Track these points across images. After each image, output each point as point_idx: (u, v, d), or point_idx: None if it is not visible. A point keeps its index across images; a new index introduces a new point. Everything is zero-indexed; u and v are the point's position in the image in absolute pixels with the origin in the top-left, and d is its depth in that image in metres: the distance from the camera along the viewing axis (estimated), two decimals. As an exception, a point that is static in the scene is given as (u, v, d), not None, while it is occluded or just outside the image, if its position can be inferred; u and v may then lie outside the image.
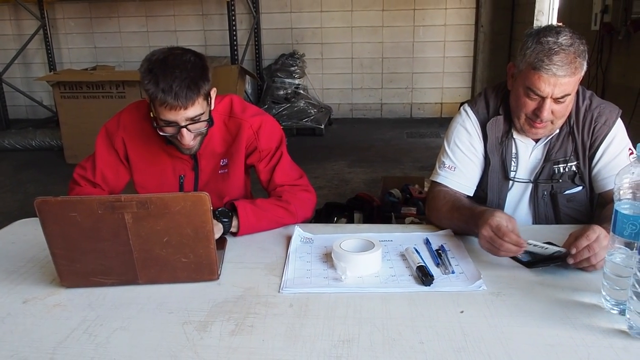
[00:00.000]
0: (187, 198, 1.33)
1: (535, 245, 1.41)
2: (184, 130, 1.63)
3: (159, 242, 1.35)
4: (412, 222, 3.04)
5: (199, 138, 1.72)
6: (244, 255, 1.59)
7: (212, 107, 1.74)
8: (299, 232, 1.70)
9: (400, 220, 3.25)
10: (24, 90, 7.59)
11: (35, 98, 7.64)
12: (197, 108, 1.61)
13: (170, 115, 1.59)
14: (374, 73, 7.64)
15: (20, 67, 7.81)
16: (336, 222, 3.21)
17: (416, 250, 1.52)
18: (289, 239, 1.67)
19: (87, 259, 1.36)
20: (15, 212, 4.42)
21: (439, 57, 7.50)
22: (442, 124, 7.07)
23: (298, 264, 1.52)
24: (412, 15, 7.35)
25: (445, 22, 7.36)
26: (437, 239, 1.65)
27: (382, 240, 1.58)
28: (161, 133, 1.67)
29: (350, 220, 3.28)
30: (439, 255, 1.52)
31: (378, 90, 7.71)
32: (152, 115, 1.66)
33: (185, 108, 1.58)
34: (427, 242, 1.62)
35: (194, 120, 1.63)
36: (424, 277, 1.38)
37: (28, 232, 1.78)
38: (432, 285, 1.37)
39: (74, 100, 5.58)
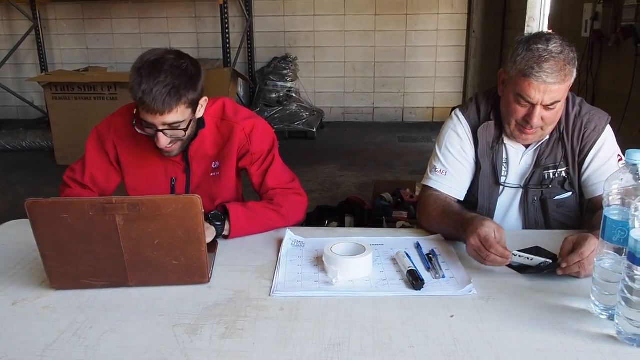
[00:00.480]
0: (179, 200, 1.32)
1: (520, 257, 1.43)
2: (160, 134, 1.62)
3: (150, 245, 1.35)
4: (403, 226, 3.05)
5: (179, 143, 1.71)
6: (235, 259, 1.59)
7: (200, 115, 1.73)
8: (290, 235, 1.70)
9: (391, 224, 3.26)
10: (15, 91, 7.55)
11: (26, 99, 7.59)
12: (175, 115, 1.59)
13: (148, 118, 1.59)
14: (366, 77, 7.65)
15: (12, 67, 7.77)
16: (327, 226, 3.21)
17: (407, 255, 1.53)
18: (280, 242, 1.67)
19: (77, 261, 1.36)
20: (4, 213, 4.39)
21: (430, 61, 7.53)
22: (433, 128, 7.09)
23: (289, 268, 1.52)
24: (405, 20, 7.38)
25: (437, 27, 7.40)
26: (427, 243, 1.66)
27: (373, 244, 1.59)
28: (138, 130, 1.66)
29: (342, 224, 3.29)
30: (429, 260, 1.52)
31: (370, 94, 7.73)
32: (135, 112, 1.66)
33: (162, 114, 1.57)
34: (418, 247, 1.63)
35: (171, 126, 1.62)
36: (414, 281, 1.39)
37: (18, 233, 1.77)
38: (422, 289, 1.38)
39: (65, 101, 5.56)
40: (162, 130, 1.62)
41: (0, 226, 1.87)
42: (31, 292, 1.41)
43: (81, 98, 5.53)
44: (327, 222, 3.28)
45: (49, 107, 5.70)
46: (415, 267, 1.46)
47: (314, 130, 6.90)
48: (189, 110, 1.64)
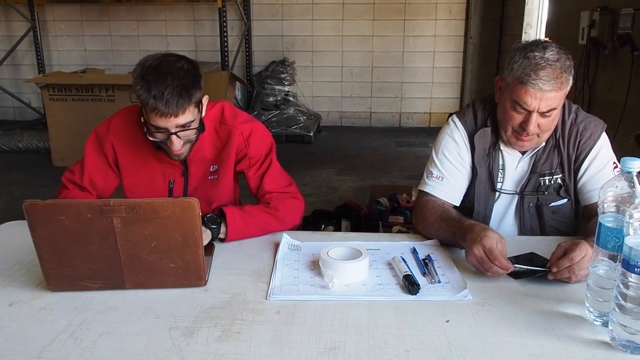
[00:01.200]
0: (177, 203, 1.33)
1: (521, 267, 1.45)
2: (174, 136, 1.64)
3: (147, 247, 1.35)
4: (399, 231, 3.06)
5: (188, 145, 1.73)
6: (232, 262, 1.60)
7: (204, 114, 1.75)
8: (286, 239, 1.71)
9: (387, 228, 3.27)
10: (13, 92, 7.54)
11: (23, 100, 7.59)
12: (187, 115, 1.62)
13: (161, 122, 1.60)
14: (364, 82, 7.68)
15: (9, 68, 7.76)
16: (323, 230, 3.22)
17: (403, 259, 1.53)
18: (276, 245, 1.68)
19: (74, 263, 1.36)
20: (1, 214, 4.38)
21: (428, 67, 7.56)
22: (430, 133, 7.11)
23: (285, 271, 1.52)
24: (402, 25, 7.41)
25: (435, 32, 7.42)
26: (423, 248, 1.67)
27: (369, 249, 1.59)
28: (151, 138, 1.67)
29: (338, 228, 3.29)
30: (425, 265, 1.53)
31: (367, 99, 7.75)
32: (142, 120, 1.67)
33: (176, 115, 1.59)
34: (414, 252, 1.63)
35: (184, 127, 1.64)
36: (410, 286, 1.39)
37: (15, 234, 1.77)
38: (418, 294, 1.38)
39: (62, 102, 5.55)
40: (175, 133, 1.63)
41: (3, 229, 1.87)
42: (28, 294, 1.41)
43: (78, 100, 5.53)
44: (323, 226, 3.29)
45: (46, 109, 5.70)
46: (411, 271, 1.46)
47: (311, 134, 6.91)
48: (196, 110, 1.66)
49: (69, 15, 7.69)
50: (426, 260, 1.55)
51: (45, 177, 5.27)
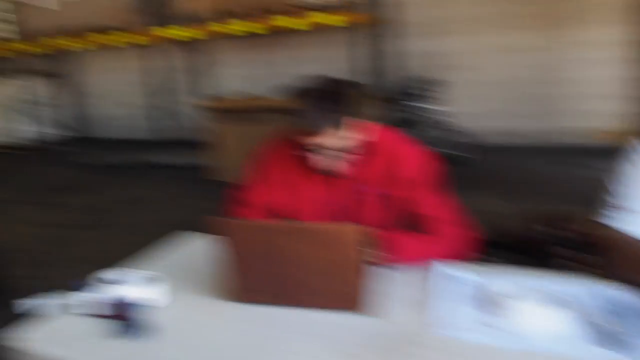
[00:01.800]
0: (339, 229, 1.46)
1: None
2: (320, 153, 1.71)
3: (312, 269, 1.45)
4: (578, 270, 2.78)
5: (339, 163, 1.76)
6: (392, 288, 1.56)
7: (358, 136, 1.76)
8: (447, 269, 1.64)
9: (555, 260, 3.00)
10: (187, 113, 8.45)
11: (195, 120, 8.32)
12: (337, 136, 1.69)
13: (313, 140, 1.69)
14: (519, 96, 7.25)
15: (185, 93, 8.72)
16: (484, 261, 3.04)
17: (599, 307, 1.35)
18: (436, 275, 1.61)
19: (256, 278, 1.52)
20: (174, 224, 4.71)
21: (594, 77, 6.91)
22: (597, 153, 6.48)
23: (449, 304, 1.44)
24: (562, 34, 6.89)
25: (600, 38, 6.75)
26: (624, 295, 1.42)
27: (551, 291, 1.43)
28: (303, 154, 1.75)
29: (500, 259, 3.09)
30: (627, 316, 1.31)
31: (521, 114, 7.28)
32: (294, 138, 1.76)
33: (326, 135, 1.67)
34: (611, 299, 1.40)
35: (335, 146, 1.70)
36: (611, 340, 1.22)
37: (198, 246, 1.92)
38: (623, 352, 1.18)
39: (224, 124, 6.25)
40: (323, 151, 1.71)
41: (180, 239, 2.03)
42: (221, 304, 1.55)
43: (240, 121, 6.15)
44: (484, 256, 3.11)
45: (211, 130, 6.38)
46: (611, 324, 1.28)
47: (464, 155, 6.67)
48: (344, 130, 1.71)
49: (235, 48, 8.40)
50: (629, 311, 1.33)
51: (207, 191, 5.66)
